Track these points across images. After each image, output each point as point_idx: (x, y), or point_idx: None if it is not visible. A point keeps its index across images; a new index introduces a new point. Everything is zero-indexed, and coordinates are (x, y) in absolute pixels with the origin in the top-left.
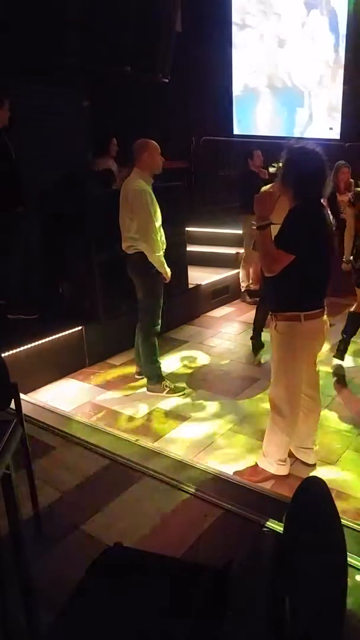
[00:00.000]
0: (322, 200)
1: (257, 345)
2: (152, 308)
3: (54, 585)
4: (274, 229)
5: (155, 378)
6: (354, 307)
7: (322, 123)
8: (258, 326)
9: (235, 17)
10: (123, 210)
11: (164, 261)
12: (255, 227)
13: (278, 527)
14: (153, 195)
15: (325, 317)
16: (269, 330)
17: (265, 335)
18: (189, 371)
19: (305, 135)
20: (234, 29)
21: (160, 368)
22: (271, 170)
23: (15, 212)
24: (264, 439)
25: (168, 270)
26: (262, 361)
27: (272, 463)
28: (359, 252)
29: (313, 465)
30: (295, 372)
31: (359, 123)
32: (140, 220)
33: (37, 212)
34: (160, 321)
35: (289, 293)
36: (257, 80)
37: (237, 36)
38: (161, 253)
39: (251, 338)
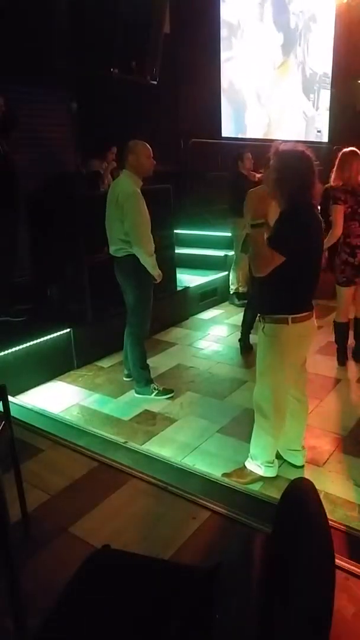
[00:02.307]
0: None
1: (245, 347)
2: (142, 312)
3: (42, 588)
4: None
5: (144, 381)
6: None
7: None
8: (246, 328)
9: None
10: (112, 212)
11: (156, 263)
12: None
13: (266, 529)
14: (142, 197)
15: (313, 319)
16: (257, 332)
17: (253, 337)
18: (177, 373)
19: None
20: (223, 31)
21: (149, 372)
22: (258, 176)
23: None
24: (251, 441)
25: (159, 272)
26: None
27: (260, 465)
28: (352, 249)
29: (301, 467)
30: (281, 374)
31: (346, 126)
32: (132, 223)
33: (25, 213)
34: (149, 325)
35: (277, 295)
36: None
37: (226, 38)
38: (154, 255)
39: (239, 340)
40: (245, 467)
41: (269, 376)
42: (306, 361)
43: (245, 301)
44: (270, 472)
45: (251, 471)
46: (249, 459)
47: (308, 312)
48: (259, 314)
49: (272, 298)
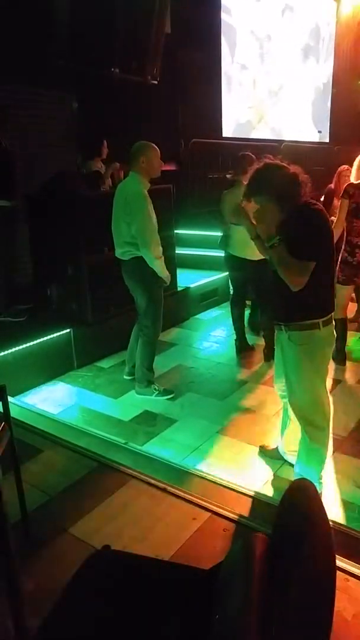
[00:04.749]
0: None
1: (242, 347)
2: (154, 314)
3: (42, 589)
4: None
5: (146, 382)
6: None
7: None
8: (239, 327)
9: (225, 19)
10: (118, 214)
11: (164, 266)
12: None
13: (267, 530)
14: (150, 200)
15: None
16: (278, 341)
17: (250, 338)
18: (178, 374)
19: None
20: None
21: (153, 374)
22: (228, 177)
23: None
24: (297, 465)
25: (168, 274)
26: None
27: (316, 483)
28: (353, 248)
29: None
30: (320, 379)
31: (347, 126)
32: (140, 226)
33: (26, 213)
34: (161, 325)
35: (307, 301)
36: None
37: (227, 37)
38: (162, 258)
39: (235, 340)
40: None
41: (310, 385)
42: None
43: (247, 302)
44: (321, 487)
45: None
46: None
47: (332, 312)
48: (280, 323)
49: (302, 305)
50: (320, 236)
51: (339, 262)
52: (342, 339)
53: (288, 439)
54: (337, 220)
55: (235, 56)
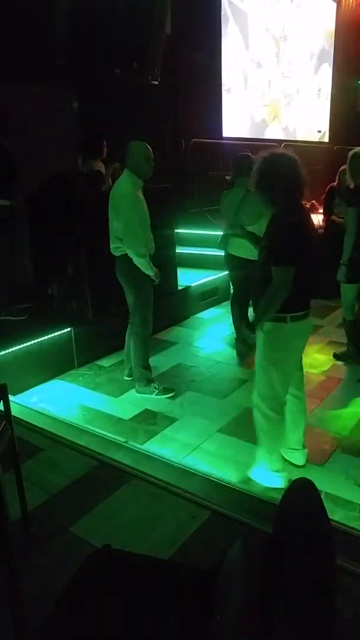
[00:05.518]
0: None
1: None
2: (143, 311)
3: (42, 588)
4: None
5: (145, 381)
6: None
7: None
8: (239, 326)
9: (224, 19)
10: (111, 212)
11: (150, 264)
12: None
13: (267, 529)
14: (142, 199)
15: (310, 317)
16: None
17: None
18: (178, 372)
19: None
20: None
21: (150, 372)
22: (227, 178)
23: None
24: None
25: (155, 271)
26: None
27: (269, 473)
28: None
29: (302, 467)
30: (279, 371)
31: (347, 126)
32: (125, 224)
33: (26, 212)
34: (152, 324)
35: None
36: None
37: (227, 37)
38: (147, 257)
39: (235, 339)
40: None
41: (267, 372)
42: (302, 359)
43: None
44: (284, 481)
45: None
46: (254, 468)
47: (306, 311)
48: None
49: None
50: (299, 241)
51: (349, 263)
52: (352, 340)
53: (288, 436)
54: (348, 229)
55: (249, 49)
